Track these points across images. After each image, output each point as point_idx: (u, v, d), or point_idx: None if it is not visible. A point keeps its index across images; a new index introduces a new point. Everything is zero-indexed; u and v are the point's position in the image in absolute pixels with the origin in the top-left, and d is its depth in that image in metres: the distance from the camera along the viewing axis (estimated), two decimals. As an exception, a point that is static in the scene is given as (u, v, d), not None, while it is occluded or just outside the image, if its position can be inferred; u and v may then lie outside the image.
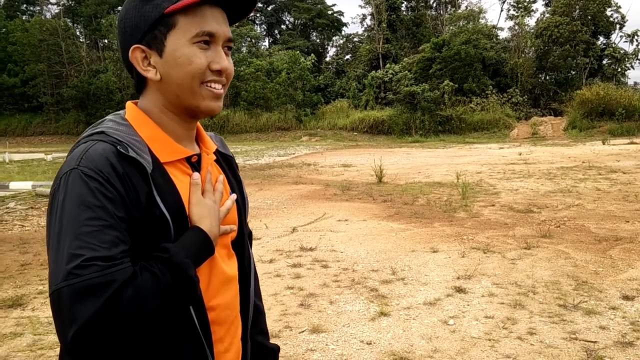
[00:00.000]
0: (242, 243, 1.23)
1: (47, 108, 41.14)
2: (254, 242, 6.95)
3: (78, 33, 47.43)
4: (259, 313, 1.35)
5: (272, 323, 4.07)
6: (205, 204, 1.06)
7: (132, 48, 1.03)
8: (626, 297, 4.48)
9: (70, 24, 45.78)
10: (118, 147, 0.96)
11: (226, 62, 1.05)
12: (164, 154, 1.04)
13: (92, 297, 0.83)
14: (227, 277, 1.13)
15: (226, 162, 1.26)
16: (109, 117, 1.07)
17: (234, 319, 1.16)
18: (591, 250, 6.02)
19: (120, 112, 1.09)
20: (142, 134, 1.03)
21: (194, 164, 1.11)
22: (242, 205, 1.24)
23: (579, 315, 4.13)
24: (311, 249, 6.39)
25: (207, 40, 1.02)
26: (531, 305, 4.35)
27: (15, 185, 12.93)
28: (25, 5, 51.90)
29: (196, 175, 1.07)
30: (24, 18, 46.68)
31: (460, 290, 4.79)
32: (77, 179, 0.91)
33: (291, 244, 6.67)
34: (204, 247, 1.01)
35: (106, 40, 45.06)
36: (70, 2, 45.86)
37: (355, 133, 32.80)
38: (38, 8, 51.39)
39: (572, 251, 6.01)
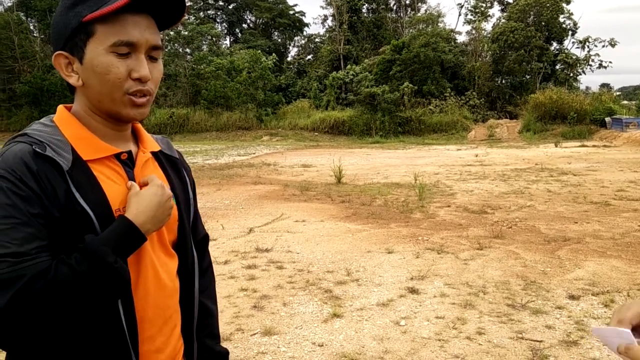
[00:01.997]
0: (185, 244, 1.23)
1: (-2, 104, 39.49)
2: (209, 243, 6.84)
3: (32, 27, 45.76)
4: (209, 315, 1.34)
5: (224, 326, 4.01)
6: (133, 194, 1.05)
7: (55, 54, 1.05)
8: (572, 297, 4.62)
9: (23, 17, 44.11)
10: (34, 147, 0.98)
11: (146, 71, 1.04)
12: (87, 151, 1.05)
13: (1, 292, 0.86)
14: (159, 276, 1.11)
15: (170, 164, 1.25)
16: (41, 119, 1.10)
17: (167, 319, 1.14)
18: (540, 251, 6.19)
19: (51, 116, 1.11)
20: (66, 134, 1.05)
21: (126, 161, 1.11)
22: (183, 206, 1.22)
23: (527, 314, 4.23)
24: (267, 250, 6.34)
25: (125, 50, 1.01)
26: (481, 305, 4.43)
27: None
28: (-26, -3, 49.76)
29: (129, 183, 1.08)
30: (-27, 11, 44.64)
31: (413, 291, 4.84)
32: None
33: (247, 245, 6.60)
34: (127, 234, 1.00)
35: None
36: (23, -5, 44.22)
37: (316, 133, 32.82)
38: (-12, 0, 49.36)
39: (522, 251, 6.17)
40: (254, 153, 23.03)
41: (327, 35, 46.40)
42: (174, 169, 1.25)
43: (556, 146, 22.92)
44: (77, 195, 0.98)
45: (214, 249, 6.44)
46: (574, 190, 10.73)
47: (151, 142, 1.21)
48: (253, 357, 3.58)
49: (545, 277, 5.22)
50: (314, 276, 5.33)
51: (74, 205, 0.97)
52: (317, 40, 49.04)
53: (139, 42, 1.02)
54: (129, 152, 1.12)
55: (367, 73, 34.60)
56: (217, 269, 5.54)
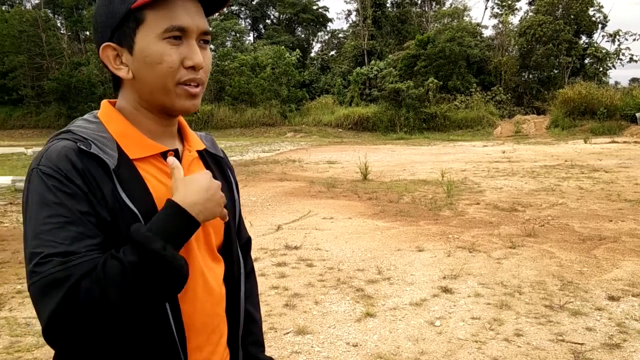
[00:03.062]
0: (230, 248, 1.17)
1: (27, 101, 40.04)
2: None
3: (59, 24, 46.54)
4: (253, 322, 1.28)
5: (257, 324, 3.99)
6: (181, 179, 0.99)
7: (102, 46, 0.99)
8: (612, 298, 4.49)
9: (51, 15, 44.90)
10: (79, 144, 0.94)
11: (200, 58, 0.99)
12: (133, 150, 1.00)
13: (51, 293, 0.84)
14: (207, 282, 1.06)
15: (215, 163, 1.20)
16: (84, 116, 1.05)
17: (215, 327, 1.10)
18: (575, 250, 6.04)
19: (94, 111, 1.07)
20: (111, 131, 1.00)
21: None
22: (230, 207, 1.14)
23: (565, 316, 4.12)
24: (296, 248, 6.32)
25: (178, 35, 0.96)
26: (517, 306, 4.33)
27: None
28: (4, -5, 50.81)
29: (171, 159, 1.02)
30: (3, 8, 45.44)
31: (446, 290, 4.76)
32: (37, 178, 0.91)
33: (276, 242, 6.59)
34: (177, 218, 0.92)
35: (88, 32, 44.29)
36: (51, -7, 45.04)
37: (340, 129, 32.74)
38: (18, -2, 50.39)
39: (556, 250, 6.03)
40: (278, 149, 23.08)
41: (351, 30, 46.21)
42: (219, 168, 1.20)
43: (585, 142, 22.45)
44: (123, 195, 0.94)
45: (243, 246, 6.44)
46: (607, 187, 10.47)
47: (196, 140, 1.16)
48: (287, 356, 3.56)
49: (582, 277, 5.08)
50: (345, 274, 5.29)
51: (120, 205, 0.93)
52: (340, 35, 48.94)
53: (190, 28, 0.97)
54: (176, 151, 1.07)
55: (391, 68, 34.36)
56: (247, 266, 5.54)
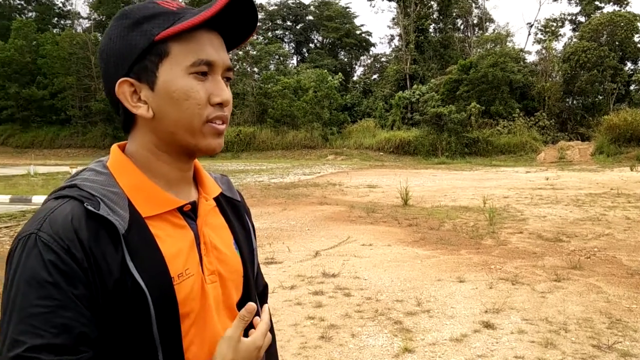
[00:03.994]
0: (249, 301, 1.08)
1: (74, 121, 41.49)
2: (275, 266, 6.95)
3: (108, 47, 48.28)
4: None
5: (291, 357, 3.99)
6: (237, 348, 0.92)
7: (119, 81, 0.89)
8: (664, 340, 4.28)
9: (100, 38, 46.69)
10: (86, 204, 0.84)
11: (227, 94, 0.92)
12: (146, 206, 0.90)
13: None
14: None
15: (232, 207, 1.11)
16: (91, 164, 0.96)
17: None
18: (624, 285, 5.80)
19: (103, 158, 0.97)
20: (122, 184, 0.90)
21: (188, 213, 0.97)
22: (247, 259, 1.07)
23: (614, 357, 3.95)
24: (334, 275, 6.29)
25: (204, 70, 0.89)
26: (563, 345, 4.18)
27: (37, 199, 12.96)
28: (56, 19, 52.91)
29: (250, 306, 0.93)
30: (55, 31, 47.37)
31: (488, 325, 4.64)
32: (33, 247, 0.81)
33: (313, 269, 6.59)
34: None
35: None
36: (101, 17, 46.76)
37: (382, 153, 32.68)
38: (69, 22, 52.27)
39: (604, 285, 5.80)
40: (319, 172, 23.18)
41: (394, 54, 46.42)
42: (236, 214, 1.11)
43: (632, 170, 21.67)
44: (131, 264, 0.84)
45: (280, 273, 6.46)
46: (658, 218, 10.05)
47: (212, 186, 1.07)
48: (324, 388, 3.53)
49: (631, 314, 4.87)
50: (383, 305, 5.23)
51: (127, 277, 0.84)
52: (383, 59, 49.23)
53: (217, 62, 0.91)
54: (193, 203, 0.98)
55: (433, 93, 34.22)
56: (283, 295, 5.56)
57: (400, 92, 37.16)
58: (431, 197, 13.81)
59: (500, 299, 5.32)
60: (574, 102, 35.99)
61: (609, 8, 39.12)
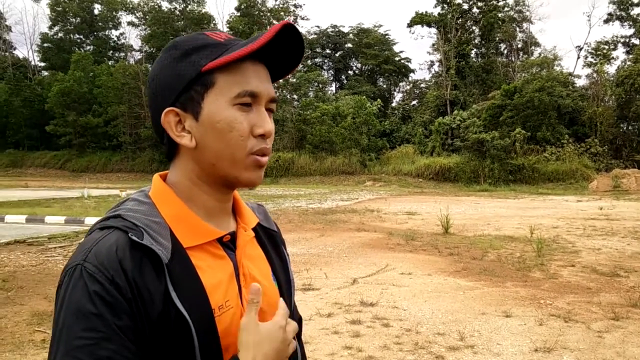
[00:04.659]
0: None
1: (125, 147, 43.51)
2: (312, 293, 6.69)
3: (158, 77, 50.25)
4: None
5: (326, 391, 3.70)
6: (257, 330, 0.88)
7: (165, 111, 0.89)
8: None
9: (150, 69, 48.58)
10: (130, 234, 0.84)
11: (270, 126, 0.91)
12: (187, 236, 0.90)
13: None
14: None
15: (269, 238, 1.09)
16: (134, 194, 0.96)
17: None
18: (692, 326, 5.26)
19: (146, 188, 0.98)
20: (164, 214, 0.90)
21: (227, 243, 0.96)
22: (285, 288, 1.05)
23: (688, 409, 3.49)
24: (372, 304, 5.98)
25: (249, 102, 0.89)
26: (626, 392, 3.74)
27: (90, 220, 13.39)
28: (111, 52, 56.00)
29: (254, 287, 0.90)
30: (110, 63, 50.11)
31: (539, 365, 4.23)
32: (79, 278, 0.80)
33: (351, 297, 6.29)
34: None
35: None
36: (152, 49, 48.82)
37: (421, 179, 32.16)
38: (123, 54, 55.32)
39: (669, 326, 5.28)
40: (357, 198, 22.90)
41: (433, 80, 46.10)
42: (273, 244, 1.09)
43: (694, 200, 20.46)
44: (174, 294, 0.83)
45: (317, 300, 6.22)
46: None
47: (250, 216, 1.05)
48: None
49: None
50: (423, 338, 4.88)
51: (169, 307, 0.83)
52: (422, 85, 48.90)
53: (262, 93, 0.90)
54: (232, 234, 0.97)
55: (475, 119, 33.63)
56: (320, 322, 5.32)
57: (441, 118, 36.68)
58: (473, 226, 13.31)
59: (551, 337, 4.89)
60: (629, 127, 34.61)
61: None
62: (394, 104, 49.17)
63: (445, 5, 43.34)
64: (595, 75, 38.02)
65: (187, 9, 48.08)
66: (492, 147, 30.18)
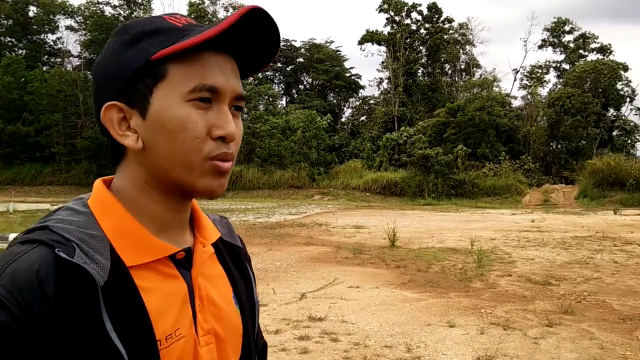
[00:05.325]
0: None
1: (58, 158, 41.19)
2: (260, 309, 6.62)
3: (97, 85, 48.49)
4: None
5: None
6: None
7: (106, 105, 0.76)
8: (661, 389, 4.14)
9: (90, 76, 46.75)
10: (57, 250, 0.68)
11: (233, 127, 0.77)
12: (132, 253, 0.75)
13: None
14: None
15: (232, 254, 0.94)
16: (70, 202, 0.81)
17: None
18: (616, 331, 5.69)
19: (84, 195, 0.82)
20: (104, 226, 0.75)
21: (182, 261, 0.81)
22: (248, 314, 0.91)
23: (611, 408, 3.80)
24: (320, 319, 6.10)
25: (207, 96, 0.75)
26: (558, 394, 4.02)
27: (14, 236, 12.62)
28: (46, 57, 52.64)
29: None
30: (44, 69, 47.32)
31: (479, 372, 4.47)
32: None
33: (299, 313, 6.38)
34: None
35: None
36: (92, 56, 46.92)
37: (368, 194, 32.71)
38: (59, 60, 52.16)
39: (596, 330, 5.68)
40: (305, 212, 23.04)
41: (382, 97, 47.16)
42: (236, 262, 0.95)
43: (615, 214, 21.89)
44: (109, 325, 0.68)
45: (265, 316, 6.24)
46: (643, 262, 10.02)
47: (211, 229, 0.91)
48: None
49: (627, 363, 4.74)
50: (372, 351, 5.04)
51: (102, 341, 0.68)
52: (371, 102, 49.94)
53: (224, 89, 0.76)
54: (188, 250, 0.83)
55: (421, 135, 34.69)
56: (268, 339, 5.30)
57: (388, 133, 37.61)
58: (418, 239, 13.71)
59: (492, 345, 5.17)
60: (559, 146, 36.77)
61: (592, 56, 40.42)
62: (343, 119, 49.91)
63: (394, 25, 44.66)
64: (529, 96, 40.25)
65: (133, 15, 46.92)
66: (436, 163, 31.17)
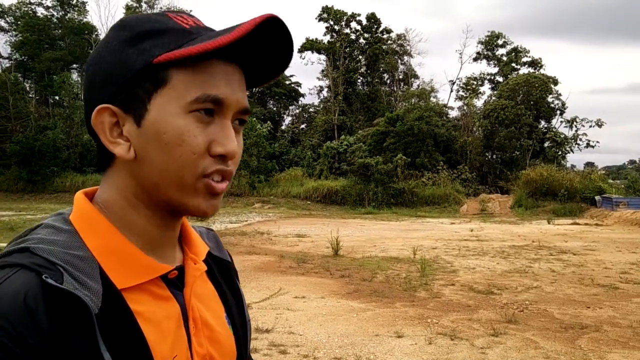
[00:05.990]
0: None
1: (-16, 163, 38.93)
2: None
3: (28, 88, 46.21)
4: None
5: None
6: None
7: (98, 108, 0.68)
8: (606, 397, 4.22)
9: (20, 78, 44.63)
10: (45, 277, 0.61)
11: (234, 144, 0.70)
12: (123, 275, 0.68)
13: None
14: None
15: (221, 270, 0.88)
16: (49, 219, 0.72)
17: None
18: (559, 340, 5.82)
19: (65, 210, 0.74)
20: (91, 246, 0.68)
21: (173, 280, 0.75)
22: (241, 332, 0.85)
23: (562, 418, 3.82)
24: (267, 331, 5.90)
25: (210, 108, 0.68)
26: (510, 405, 4.01)
27: None
28: (-25, 59, 50.48)
29: None
30: (-28, 72, 45.14)
31: (431, 384, 4.41)
32: None
33: (246, 324, 6.14)
34: None
35: (57, 97, 44.15)
36: (23, 57, 44.97)
37: (309, 202, 32.65)
38: (-12, 62, 50.07)
39: (540, 340, 5.79)
40: (246, 220, 22.66)
41: (322, 105, 47.39)
42: (226, 279, 0.88)
43: (549, 223, 22.87)
44: (107, 357, 0.62)
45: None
46: (577, 271, 10.44)
47: (200, 245, 0.84)
48: None
49: (571, 371, 4.83)
50: (322, 363, 4.90)
51: None
52: (311, 110, 50.06)
53: (229, 101, 0.69)
54: (179, 268, 0.76)
55: (361, 144, 35.03)
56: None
57: (328, 142, 37.79)
58: (361, 247, 13.73)
59: (441, 356, 5.15)
60: (494, 156, 38.18)
61: (524, 70, 42.37)
62: (283, 127, 49.74)
63: (334, 34, 45.07)
64: (465, 107, 41.59)
65: (67, 17, 45.07)
66: (376, 172, 31.55)
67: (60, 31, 44.76)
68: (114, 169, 0.72)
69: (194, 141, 0.67)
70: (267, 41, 0.71)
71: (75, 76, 44.27)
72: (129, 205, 0.72)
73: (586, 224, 22.56)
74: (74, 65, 46.49)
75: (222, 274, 0.88)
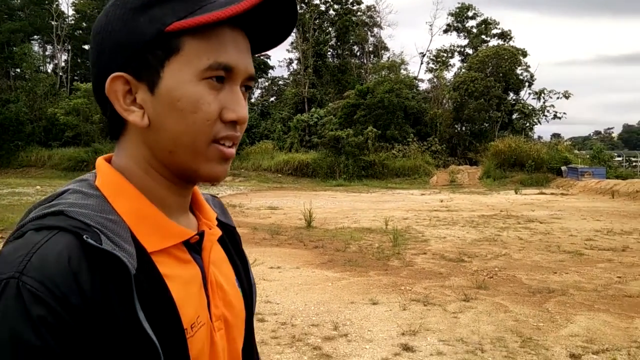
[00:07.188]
0: (251, 350, 0.89)
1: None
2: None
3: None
4: None
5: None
6: None
7: (112, 76, 0.68)
8: (573, 356, 4.42)
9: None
10: (85, 237, 0.62)
11: (245, 110, 0.72)
12: (152, 238, 0.70)
13: None
14: None
15: (229, 236, 0.90)
16: (72, 184, 0.72)
17: None
18: (527, 303, 6.02)
19: (87, 176, 0.74)
20: (120, 210, 0.69)
21: (194, 245, 0.77)
22: (248, 297, 0.88)
23: (532, 376, 3.98)
24: (244, 301, 5.92)
25: (222, 75, 0.69)
26: (483, 366, 4.16)
27: None
28: None
29: None
30: None
31: (407, 348, 4.53)
32: (15, 298, 0.58)
33: (222, 295, 6.17)
34: None
35: (18, 70, 42.52)
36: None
37: (280, 175, 32.60)
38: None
39: (509, 304, 5.98)
40: (217, 194, 22.46)
41: (292, 78, 46.90)
42: (233, 244, 0.91)
43: (516, 193, 23.40)
44: (141, 315, 0.63)
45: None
46: (544, 238, 10.76)
47: (210, 211, 0.86)
48: None
49: (540, 333, 5.01)
50: (299, 330, 4.96)
51: (134, 331, 0.63)
52: (281, 82, 49.51)
53: (239, 68, 0.70)
54: (200, 234, 0.79)
55: (331, 116, 34.92)
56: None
57: (299, 115, 37.55)
58: (333, 219, 13.83)
59: (415, 321, 5.27)
60: (463, 128, 38.53)
61: (494, 42, 42.59)
62: (252, 100, 49.10)
63: (303, 5, 44.35)
64: (435, 80, 41.74)
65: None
66: (347, 144, 31.60)
67: (19, 1, 42.86)
68: (127, 137, 0.73)
69: (208, 108, 0.68)
70: (271, 8, 0.72)
71: (36, 48, 42.74)
72: (145, 173, 0.73)
73: (552, 194, 23.17)
74: (35, 37, 44.79)
75: (230, 239, 0.91)
